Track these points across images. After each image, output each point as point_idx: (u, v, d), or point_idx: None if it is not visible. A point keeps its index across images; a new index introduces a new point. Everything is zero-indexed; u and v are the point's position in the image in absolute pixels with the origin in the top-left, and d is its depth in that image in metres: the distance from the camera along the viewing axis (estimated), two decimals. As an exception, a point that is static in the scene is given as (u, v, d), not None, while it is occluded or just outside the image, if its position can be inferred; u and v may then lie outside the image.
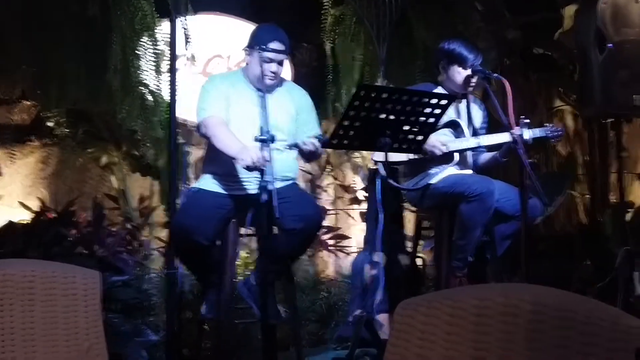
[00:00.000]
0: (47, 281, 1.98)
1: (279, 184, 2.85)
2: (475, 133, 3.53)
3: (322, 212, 3.71)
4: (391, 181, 3.25)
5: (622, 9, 3.68)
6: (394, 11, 4.41)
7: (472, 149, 3.53)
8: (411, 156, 3.41)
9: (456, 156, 3.43)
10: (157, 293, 3.82)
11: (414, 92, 2.93)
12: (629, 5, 3.68)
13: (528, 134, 3.30)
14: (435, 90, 3.46)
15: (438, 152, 3.33)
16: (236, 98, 3.09)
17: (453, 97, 2.97)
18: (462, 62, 3.38)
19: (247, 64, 3.15)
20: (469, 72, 3.40)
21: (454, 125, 3.50)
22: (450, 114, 3.44)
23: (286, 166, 3.04)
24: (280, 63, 3.06)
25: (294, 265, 3.34)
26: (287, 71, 4.35)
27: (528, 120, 3.31)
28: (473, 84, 3.42)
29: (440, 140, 3.36)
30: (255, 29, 3.22)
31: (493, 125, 3.64)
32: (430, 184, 3.41)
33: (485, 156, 3.55)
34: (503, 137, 3.35)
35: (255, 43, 3.06)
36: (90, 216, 3.88)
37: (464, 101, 3.58)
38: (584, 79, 3.91)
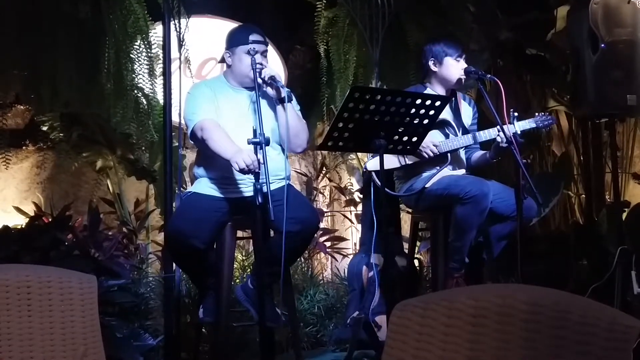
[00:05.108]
0: (44, 286, 1.97)
1: (273, 186, 2.86)
2: (465, 131, 3.54)
3: (318, 214, 3.71)
4: (387, 190, 3.24)
5: (614, 9, 3.69)
6: (387, 13, 4.41)
7: (464, 148, 3.54)
8: (404, 162, 3.43)
9: (449, 157, 3.44)
10: (154, 297, 3.82)
11: (408, 93, 2.94)
12: (620, 5, 3.69)
13: (518, 126, 3.34)
14: (425, 92, 3.48)
15: (426, 156, 3.35)
16: (223, 102, 3.12)
17: (447, 99, 2.98)
18: (454, 53, 3.45)
19: (228, 66, 3.20)
20: (462, 63, 3.44)
21: (443, 124, 3.50)
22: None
23: (277, 166, 3.05)
24: (264, 54, 3.12)
25: (291, 268, 3.35)
26: (280, 71, 4.38)
27: (517, 114, 3.35)
28: (463, 76, 3.45)
29: (432, 142, 3.37)
30: (231, 31, 3.27)
31: (485, 124, 3.65)
32: (425, 187, 3.42)
33: (477, 155, 3.57)
34: (493, 133, 3.39)
35: (236, 41, 3.15)
36: (86, 220, 3.86)
37: (452, 99, 3.59)
38: (577, 79, 3.92)
